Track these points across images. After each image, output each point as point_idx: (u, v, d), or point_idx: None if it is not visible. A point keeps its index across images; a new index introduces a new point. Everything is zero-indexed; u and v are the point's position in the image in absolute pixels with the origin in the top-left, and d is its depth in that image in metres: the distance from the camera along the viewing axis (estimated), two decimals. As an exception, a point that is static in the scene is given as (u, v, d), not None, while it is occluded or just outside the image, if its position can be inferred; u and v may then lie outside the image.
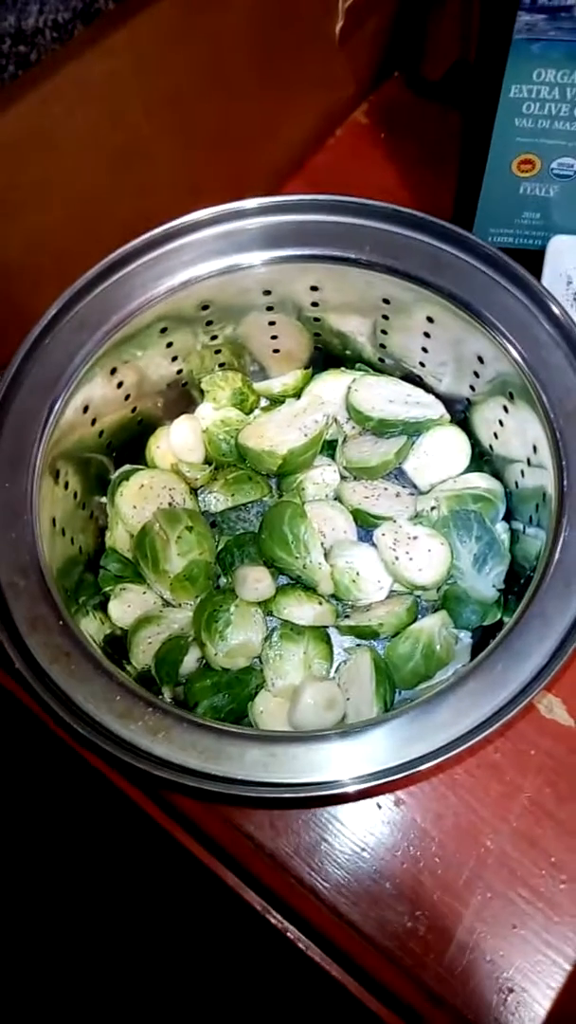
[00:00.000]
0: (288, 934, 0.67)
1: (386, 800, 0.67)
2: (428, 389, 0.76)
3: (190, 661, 0.67)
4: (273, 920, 0.67)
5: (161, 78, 0.73)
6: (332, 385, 0.77)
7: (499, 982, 0.62)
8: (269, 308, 0.72)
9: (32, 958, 1.15)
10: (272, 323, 0.74)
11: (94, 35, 0.64)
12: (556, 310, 0.59)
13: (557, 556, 0.54)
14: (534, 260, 0.76)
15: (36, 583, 0.55)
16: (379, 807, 0.67)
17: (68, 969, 1.14)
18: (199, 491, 0.76)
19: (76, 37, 0.62)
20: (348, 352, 0.78)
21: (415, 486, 0.75)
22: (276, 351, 0.78)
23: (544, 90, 0.68)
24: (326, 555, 0.69)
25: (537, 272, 0.76)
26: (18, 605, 0.54)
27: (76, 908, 1.16)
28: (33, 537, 0.57)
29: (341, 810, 0.67)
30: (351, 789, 0.49)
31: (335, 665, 0.69)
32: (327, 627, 0.70)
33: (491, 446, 0.71)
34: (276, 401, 0.80)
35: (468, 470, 0.74)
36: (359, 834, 0.66)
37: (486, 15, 0.65)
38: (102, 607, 0.70)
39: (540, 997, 0.61)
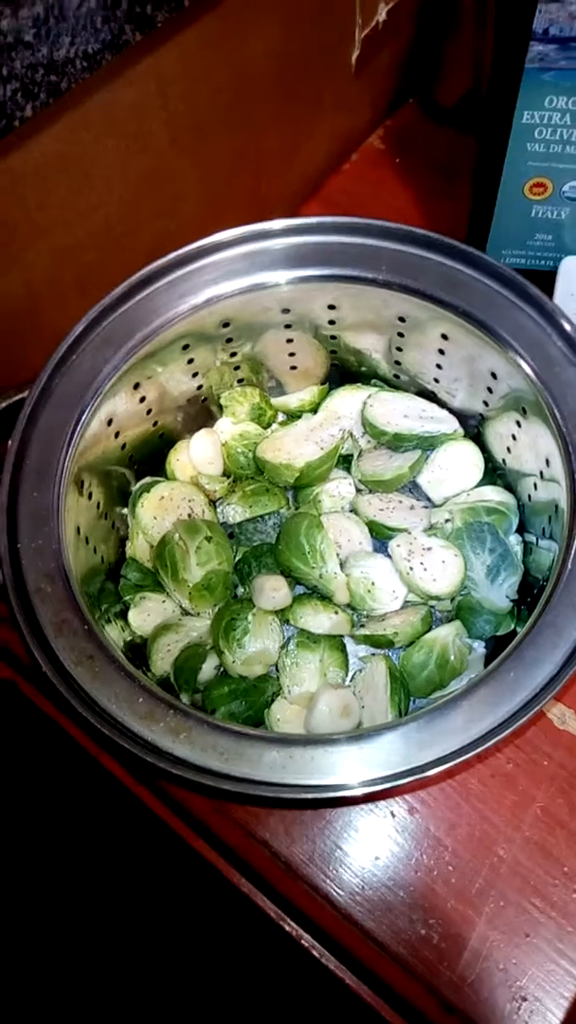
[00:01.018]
0: (302, 941, 0.68)
1: (400, 809, 0.68)
2: (442, 404, 0.77)
3: (208, 669, 0.69)
4: (288, 927, 0.68)
5: (185, 105, 0.75)
6: (348, 400, 0.79)
7: (512, 991, 0.62)
8: (287, 326, 0.74)
9: (44, 962, 1.16)
10: (290, 340, 0.76)
11: (121, 65, 0.67)
12: (569, 329, 0.61)
13: (569, 567, 0.55)
14: (546, 280, 0.78)
15: (62, 588, 0.57)
16: (393, 816, 0.68)
17: (79, 974, 1.15)
18: (218, 503, 0.78)
19: (104, 67, 0.65)
20: (364, 368, 0.80)
21: (429, 499, 0.77)
22: (293, 367, 0.80)
23: (556, 116, 0.70)
24: (342, 565, 0.71)
25: (549, 292, 0.78)
26: (45, 609, 0.56)
27: (90, 913, 1.17)
28: (59, 545, 0.58)
29: (355, 818, 0.68)
30: (365, 791, 0.50)
31: (350, 673, 0.70)
32: (343, 636, 0.71)
33: (504, 460, 0.73)
34: (293, 416, 0.81)
35: (481, 483, 0.75)
36: (373, 842, 0.67)
37: (499, 45, 0.67)
38: (122, 615, 0.72)
39: (553, 1006, 0.62)
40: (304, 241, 0.67)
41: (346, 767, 0.50)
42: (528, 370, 0.62)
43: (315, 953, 0.68)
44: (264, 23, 0.79)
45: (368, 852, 0.67)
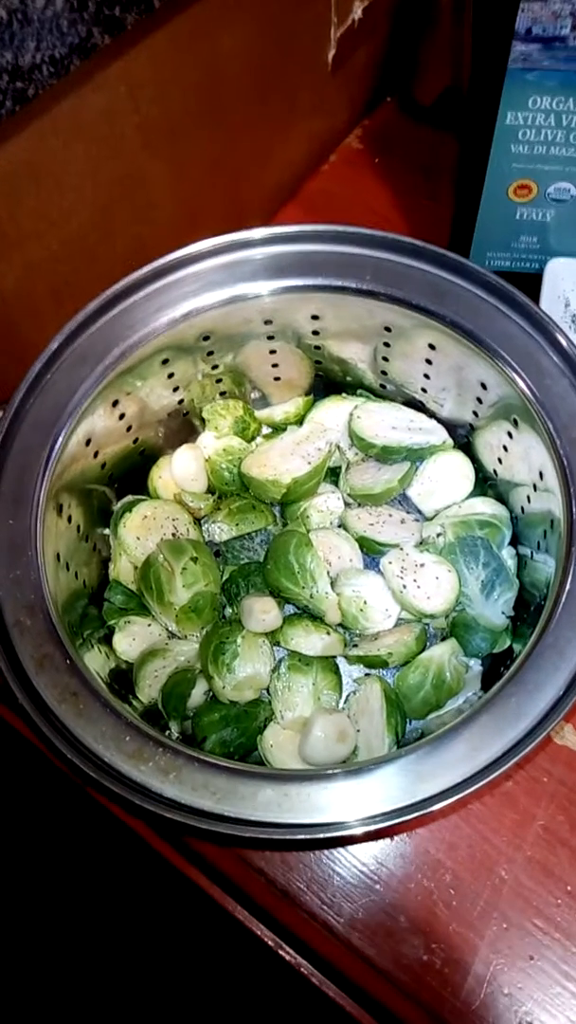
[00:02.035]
0: (302, 969, 0.66)
1: (398, 831, 0.67)
2: (430, 414, 0.75)
3: (197, 694, 0.66)
4: (286, 956, 0.66)
5: (157, 109, 0.73)
6: (334, 412, 0.77)
7: (517, 1016, 0.61)
8: (270, 337, 0.72)
9: (42, 994, 1.13)
10: (273, 351, 0.74)
11: (90, 69, 0.65)
12: (562, 339, 0.59)
13: (568, 586, 0.53)
14: (532, 283, 0.76)
15: (42, 621, 0.54)
16: (391, 838, 0.66)
17: (79, 1004, 1.13)
18: (203, 521, 0.76)
19: (72, 72, 0.62)
20: (349, 379, 0.78)
21: (420, 512, 0.75)
22: (277, 379, 0.78)
23: (540, 117, 0.68)
24: (333, 584, 0.69)
25: (535, 295, 0.77)
26: (24, 644, 0.54)
27: (86, 943, 1.15)
28: (38, 574, 0.56)
29: (353, 842, 0.67)
30: (364, 830, 0.48)
31: (344, 696, 0.68)
32: (336, 657, 0.69)
33: (495, 471, 0.71)
34: (278, 429, 0.79)
35: (472, 495, 0.73)
36: (372, 867, 0.66)
37: (481, 44, 0.66)
38: (107, 640, 0.70)
39: (559, 1031, 0.61)
40: (285, 250, 0.65)
41: (344, 804, 0.48)
42: (519, 381, 0.60)
43: (315, 981, 0.66)
44: (237, 23, 0.77)
45: (366, 877, 0.65)
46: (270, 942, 0.67)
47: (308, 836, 0.47)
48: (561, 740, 0.69)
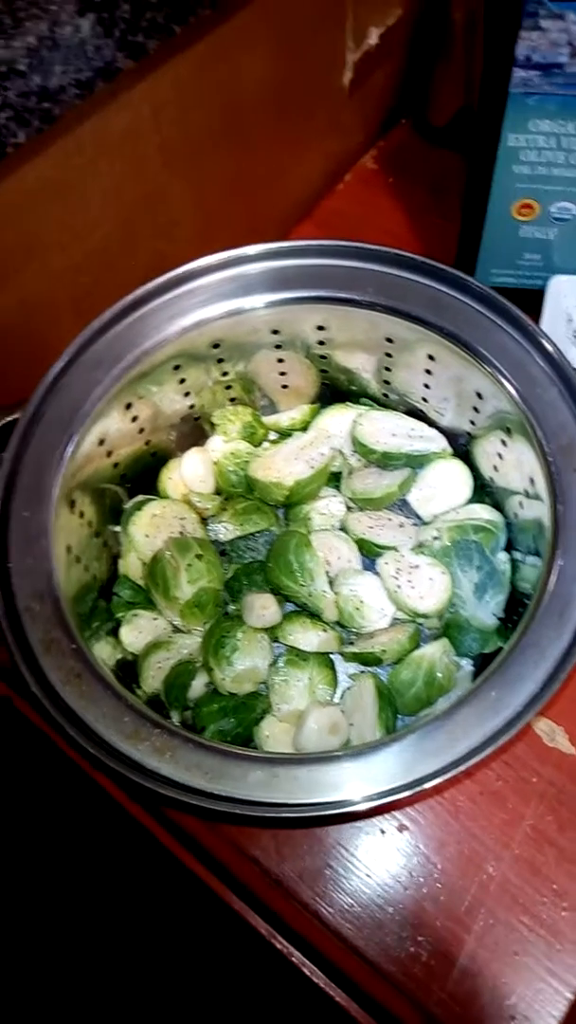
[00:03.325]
0: (292, 959, 0.68)
1: (390, 827, 0.68)
2: (431, 423, 0.78)
3: (198, 686, 0.69)
4: (278, 945, 0.68)
5: (178, 130, 0.77)
6: (338, 419, 0.79)
7: (501, 1009, 0.62)
8: (278, 346, 0.75)
9: (35, 978, 1.15)
10: (281, 360, 0.77)
11: (114, 91, 0.68)
12: (551, 348, 0.62)
13: (551, 586, 0.55)
14: (535, 300, 0.79)
15: (51, 608, 0.57)
16: (383, 833, 0.68)
17: (71, 991, 1.14)
18: (209, 521, 0.78)
19: (97, 93, 0.66)
20: (354, 387, 0.81)
21: (419, 516, 0.77)
22: (285, 386, 0.81)
23: (541, 139, 0.71)
24: (331, 583, 0.71)
25: (538, 311, 0.79)
26: (34, 628, 0.56)
27: (82, 929, 1.17)
28: (50, 564, 0.59)
29: (346, 836, 0.68)
30: (353, 809, 0.50)
31: (339, 691, 0.70)
32: (332, 653, 0.71)
33: (491, 478, 0.73)
34: (284, 434, 0.82)
35: (470, 501, 0.75)
36: (363, 860, 0.67)
37: (485, 70, 0.69)
38: (114, 633, 0.73)
39: (542, 1025, 0.62)
40: (287, 264, 0.68)
41: (329, 785, 0.50)
42: (511, 390, 0.62)
43: (305, 971, 0.68)
44: (256, 49, 0.80)
45: (358, 870, 0.67)
46: (263, 931, 0.69)
47: (296, 815, 0.50)
48: (551, 742, 0.71)
